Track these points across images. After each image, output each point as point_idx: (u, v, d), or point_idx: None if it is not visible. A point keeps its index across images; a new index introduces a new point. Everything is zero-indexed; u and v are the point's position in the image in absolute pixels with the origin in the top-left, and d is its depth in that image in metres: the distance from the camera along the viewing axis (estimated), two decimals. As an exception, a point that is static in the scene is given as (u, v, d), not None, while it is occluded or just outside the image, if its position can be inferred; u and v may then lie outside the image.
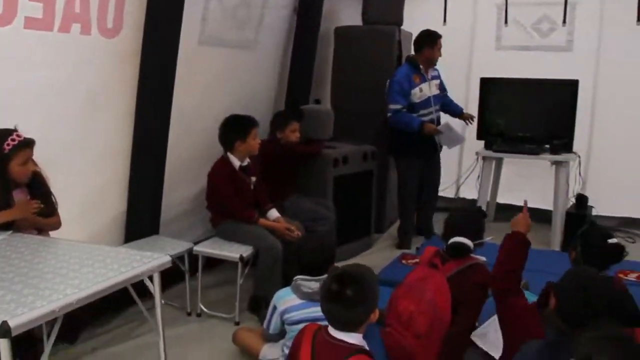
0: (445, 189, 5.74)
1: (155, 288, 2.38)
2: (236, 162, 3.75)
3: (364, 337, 2.08)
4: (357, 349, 2.02)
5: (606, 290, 2.24)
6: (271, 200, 4.07)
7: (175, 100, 3.72)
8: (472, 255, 2.91)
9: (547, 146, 5.18)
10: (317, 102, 5.39)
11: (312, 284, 2.77)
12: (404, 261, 4.49)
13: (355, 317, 2.03)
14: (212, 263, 4.15)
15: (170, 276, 3.53)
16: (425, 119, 4.92)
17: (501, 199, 6.08)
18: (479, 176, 5.35)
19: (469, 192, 5.91)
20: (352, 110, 5.25)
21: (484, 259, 2.91)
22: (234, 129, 3.76)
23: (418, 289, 2.79)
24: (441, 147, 5.21)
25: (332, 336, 2.05)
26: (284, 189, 4.30)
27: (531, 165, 5.80)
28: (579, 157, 5.41)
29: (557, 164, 5.15)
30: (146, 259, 2.38)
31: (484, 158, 5.27)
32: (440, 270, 2.85)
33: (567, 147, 5.18)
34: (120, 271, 2.25)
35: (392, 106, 4.86)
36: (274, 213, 3.93)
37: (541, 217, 5.99)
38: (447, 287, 2.75)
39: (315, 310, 2.69)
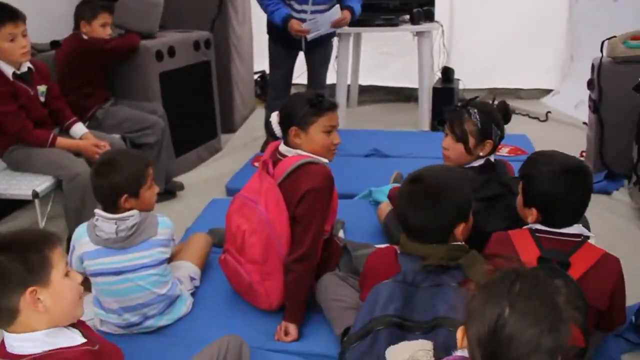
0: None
1: None
2: (7, 70, 2.81)
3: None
4: None
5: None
6: (79, 111, 3.23)
7: None
8: (302, 152, 2.21)
9: (407, 17, 4.62)
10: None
11: (109, 226, 2.05)
12: (256, 164, 3.85)
13: None
14: (14, 204, 3.31)
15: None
16: (296, 15, 3.74)
17: (363, 80, 5.56)
18: (336, 57, 4.72)
19: (330, 76, 5.31)
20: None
21: (325, 160, 2.23)
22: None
23: (252, 202, 2.18)
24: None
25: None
26: (96, 96, 3.43)
27: (392, 40, 5.29)
28: (442, 26, 4.91)
29: (419, 35, 4.61)
30: None
31: (339, 35, 4.61)
32: (271, 175, 2.21)
33: (429, 15, 4.65)
34: None
35: None
36: (79, 128, 3.09)
37: (407, 96, 5.59)
38: (279, 197, 2.14)
39: (115, 261, 2.07)
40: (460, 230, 1.70)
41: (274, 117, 2.33)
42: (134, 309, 2.13)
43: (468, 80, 5.19)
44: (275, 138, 2.35)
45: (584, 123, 4.30)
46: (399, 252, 1.75)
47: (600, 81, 3.59)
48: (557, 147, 4.08)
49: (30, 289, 1.34)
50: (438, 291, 1.60)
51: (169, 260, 2.28)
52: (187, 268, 2.43)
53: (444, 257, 1.62)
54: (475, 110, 2.27)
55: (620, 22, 4.20)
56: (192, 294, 2.38)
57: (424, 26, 4.58)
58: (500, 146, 4.01)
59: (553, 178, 1.72)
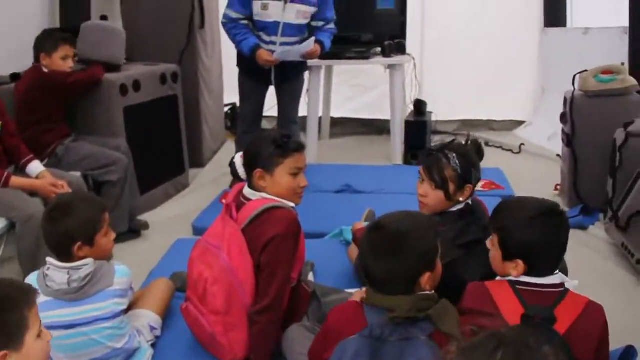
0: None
1: None
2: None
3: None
4: None
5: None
6: (38, 147, 3.09)
7: None
8: (267, 195, 2.07)
9: (379, 49, 4.59)
10: (104, 18, 4.31)
11: (61, 276, 1.91)
12: (224, 201, 3.71)
13: None
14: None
15: None
16: (265, 47, 3.64)
17: (335, 113, 5.50)
18: (307, 89, 4.65)
19: (301, 109, 5.24)
20: (149, 26, 4.26)
21: (291, 205, 2.09)
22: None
23: (214, 248, 2.04)
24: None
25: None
26: (56, 131, 3.29)
27: (364, 73, 5.26)
28: (414, 59, 4.89)
29: (390, 67, 4.57)
30: None
31: (310, 68, 4.55)
32: (234, 219, 2.07)
33: (400, 48, 4.62)
34: None
35: (226, 11, 3.69)
36: (36, 167, 2.94)
37: (380, 128, 5.53)
38: (242, 244, 2.00)
39: (67, 314, 1.91)
40: (425, 279, 1.58)
41: (238, 158, 2.21)
42: (87, 365, 1.97)
43: (440, 112, 5.17)
44: (240, 179, 2.24)
45: (558, 155, 4.27)
46: (364, 304, 1.63)
47: (572, 115, 3.56)
48: (532, 181, 4.17)
49: (1, 353, 1.23)
50: (407, 345, 1.49)
51: (128, 308, 2.14)
52: (147, 317, 2.27)
53: (411, 309, 1.50)
54: (454, 155, 2.14)
55: (590, 55, 4.22)
56: (153, 345, 2.22)
57: (395, 59, 4.54)
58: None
59: (532, 224, 1.63)
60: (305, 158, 2.17)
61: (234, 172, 2.24)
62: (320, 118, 4.99)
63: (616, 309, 2.49)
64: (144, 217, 3.66)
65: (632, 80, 3.47)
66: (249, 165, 2.12)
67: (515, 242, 1.64)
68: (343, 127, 5.72)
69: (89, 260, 1.95)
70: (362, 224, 2.68)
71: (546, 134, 4.89)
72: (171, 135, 4.06)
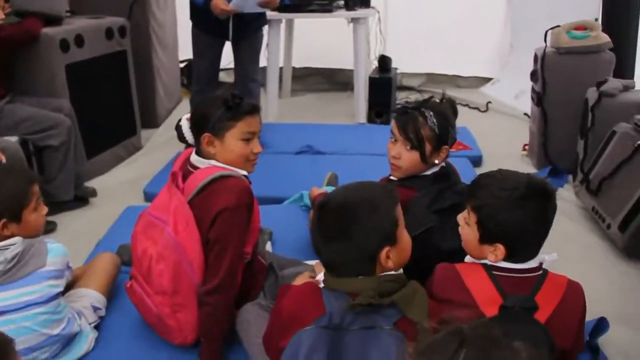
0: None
1: None
2: None
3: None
4: None
5: None
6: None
7: None
8: (216, 163, 1.89)
9: (342, 2, 4.35)
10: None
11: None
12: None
13: None
14: None
15: None
16: None
17: (297, 63, 5.29)
18: (267, 44, 4.41)
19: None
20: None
21: (243, 173, 1.92)
22: None
23: (160, 221, 1.85)
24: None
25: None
26: (-11, 92, 3.02)
27: (326, 26, 4.99)
28: (379, 12, 4.66)
29: (354, 21, 4.33)
30: None
31: (269, 22, 4.29)
32: (181, 190, 1.88)
33: (364, 1, 4.41)
34: None
35: None
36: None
37: (344, 84, 5.33)
38: (189, 217, 1.82)
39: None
40: (385, 254, 1.37)
41: (184, 121, 2.01)
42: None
43: (405, 66, 4.99)
44: (188, 144, 2.03)
45: (525, 114, 4.15)
46: (322, 287, 1.45)
47: (544, 72, 3.41)
48: (499, 141, 4.04)
49: None
50: (370, 335, 1.31)
51: (68, 287, 1.95)
52: (90, 296, 2.08)
53: (373, 294, 1.33)
54: (432, 114, 1.95)
55: (561, 11, 4.04)
56: (96, 327, 2.04)
57: (359, 12, 4.31)
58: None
59: (519, 205, 1.42)
60: (259, 121, 1.97)
61: (180, 136, 2.04)
62: (281, 68, 4.75)
63: (588, 278, 2.41)
64: (92, 183, 3.44)
65: (605, 37, 3.32)
66: (197, 129, 1.93)
67: (497, 224, 1.44)
68: (305, 82, 5.51)
69: (17, 239, 1.75)
70: (322, 189, 2.51)
71: (513, 92, 4.76)
72: (120, 94, 3.79)
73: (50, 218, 3.05)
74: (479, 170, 3.53)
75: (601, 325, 2.05)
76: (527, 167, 3.61)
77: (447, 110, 2.04)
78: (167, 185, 1.94)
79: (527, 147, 3.81)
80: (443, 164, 2.04)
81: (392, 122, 2.03)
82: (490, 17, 5.24)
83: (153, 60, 4.27)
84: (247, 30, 3.55)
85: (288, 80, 5.24)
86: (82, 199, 3.25)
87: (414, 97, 4.98)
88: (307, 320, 1.37)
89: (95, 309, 2.07)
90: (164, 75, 4.45)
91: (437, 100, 2.08)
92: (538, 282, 1.43)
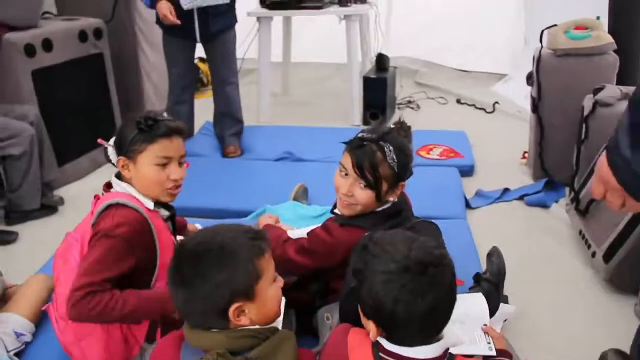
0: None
1: None
2: None
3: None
4: None
5: None
6: None
7: None
8: (128, 188, 1.77)
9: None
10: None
11: None
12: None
13: None
14: None
15: None
16: None
17: (298, 58, 5.09)
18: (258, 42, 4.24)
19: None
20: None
21: (150, 204, 1.78)
22: None
23: (76, 242, 1.79)
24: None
25: None
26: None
27: (322, 21, 4.80)
28: (377, 8, 4.41)
29: (347, 18, 4.10)
30: None
31: (258, 19, 4.11)
32: (92, 212, 1.78)
33: (361, -5, 4.18)
34: None
35: None
36: None
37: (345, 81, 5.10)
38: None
39: None
40: (234, 312, 1.22)
41: (112, 142, 1.88)
42: None
43: (410, 62, 4.74)
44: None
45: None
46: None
47: (539, 77, 3.13)
48: (500, 147, 3.76)
49: None
50: None
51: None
52: (13, 322, 1.98)
53: (223, 352, 1.17)
54: (392, 149, 1.71)
55: (581, 5, 3.68)
56: (19, 354, 1.93)
57: (352, 9, 4.07)
58: (432, 146, 3.63)
59: (386, 281, 1.18)
60: (180, 144, 1.82)
61: (107, 158, 1.91)
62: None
63: (565, 309, 2.23)
64: (67, 189, 3.36)
65: (608, 38, 3.01)
66: (117, 151, 1.81)
67: (365, 300, 1.23)
68: (304, 80, 5.30)
69: None
70: (273, 217, 2.31)
71: (524, 92, 4.45)
72: (98, 99, 3.67)
73: (14, 228, 2.99)
74: (469, 181, 3.29)
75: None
76: (523, 177, 3.34)
77: (406, 143, 1.81)
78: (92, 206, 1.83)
79: (527, 155, 3.53)
80: (396, 199, 1.83)
81: (345, 154, 1.79)
82: (505, 9, 4.93)
83: (140, 60, 4.12)
84: (214, 28, 3.36)
85: (287, 78, 5.05)
86: (50, 207, 3.15)
87: (417, 95, 4.72)
88: None
89: (19, 335, 1.96)
90: (154, 75, 4.30)
91: (392, 127, 1.85)
92: None
